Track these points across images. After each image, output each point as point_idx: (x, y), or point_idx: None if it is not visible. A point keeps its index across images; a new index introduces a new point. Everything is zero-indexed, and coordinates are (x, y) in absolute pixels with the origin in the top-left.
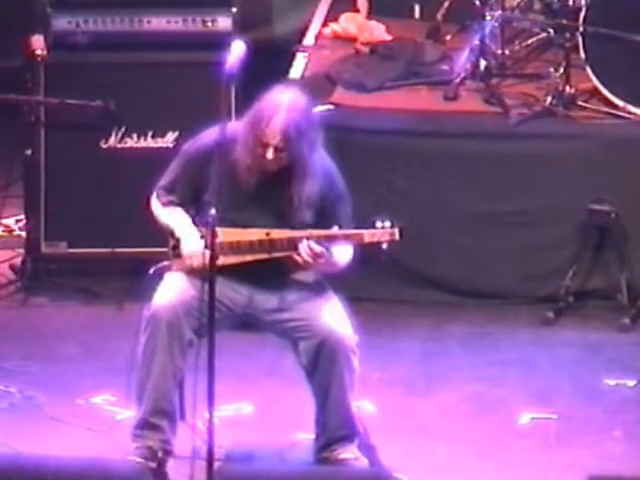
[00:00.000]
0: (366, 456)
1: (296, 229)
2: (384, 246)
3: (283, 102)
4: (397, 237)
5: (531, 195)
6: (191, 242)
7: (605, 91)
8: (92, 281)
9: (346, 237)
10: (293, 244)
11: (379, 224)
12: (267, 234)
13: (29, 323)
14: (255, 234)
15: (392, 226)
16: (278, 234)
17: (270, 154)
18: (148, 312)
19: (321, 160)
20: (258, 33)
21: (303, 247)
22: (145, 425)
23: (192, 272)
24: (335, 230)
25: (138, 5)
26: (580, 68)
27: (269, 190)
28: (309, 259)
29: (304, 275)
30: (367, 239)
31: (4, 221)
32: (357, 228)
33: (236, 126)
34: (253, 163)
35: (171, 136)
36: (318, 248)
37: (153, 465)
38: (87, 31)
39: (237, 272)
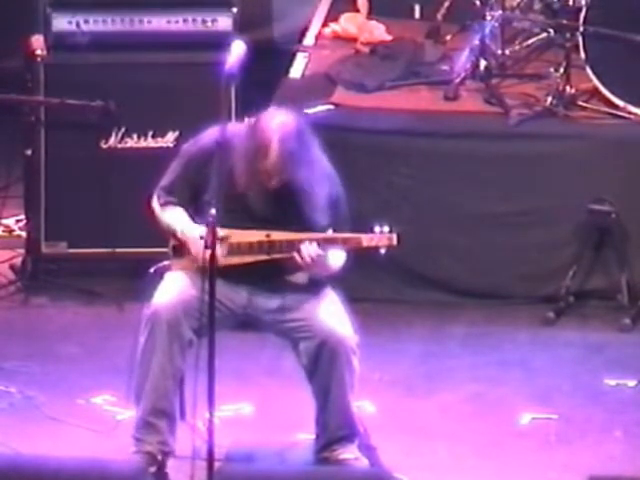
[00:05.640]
0: (366, 456)
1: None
2: (382, 251)
3: (275, 133)
4: (395, 242)
5: (531, 195)
6: (197, 242)
7: (605, 91)
8: (92, 281)
9: (344, 241)
10: (292, 246)
11: (377, 229)
12: (267, 235)
13: (29, 323)
14: (255, 235)
15: (390, 231)
16: (278, 236)
17: (275, 182)
18: (148, 312)
19: (319, 164)
20: (258, 33)
21: (302, 249)
22: (144, 425)
23: (197, 270)
24: (334, 234)
25: (138, 5)
26: (580, 68)
27: (269, 202)
28: (307, 261)
29: (303, 277)
30: (365, 243)
31: (4, 221)
32: (356, 228)
33: (236, 127)
34: (252, 182)
35: (171, 136)
36: (316, 251)
37: (153, 469)
38: (87, 31)
39: (236, 274)
